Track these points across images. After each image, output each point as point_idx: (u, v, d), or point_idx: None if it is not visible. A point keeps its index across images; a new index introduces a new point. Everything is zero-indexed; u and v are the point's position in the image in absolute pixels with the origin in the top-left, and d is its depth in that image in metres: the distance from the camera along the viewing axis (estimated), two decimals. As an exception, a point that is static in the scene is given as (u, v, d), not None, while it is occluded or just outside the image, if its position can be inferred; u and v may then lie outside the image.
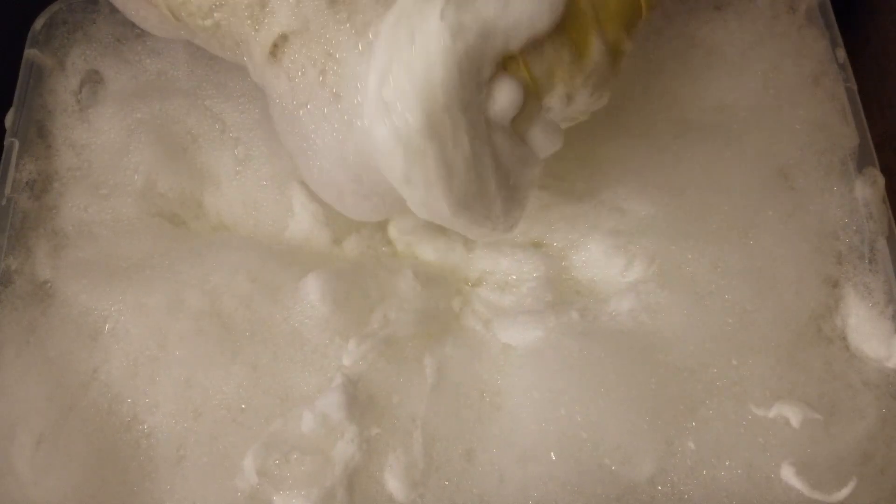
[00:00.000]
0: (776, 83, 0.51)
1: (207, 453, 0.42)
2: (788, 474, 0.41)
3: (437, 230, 0.48)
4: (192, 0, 0.40)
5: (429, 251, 0.49)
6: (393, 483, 0.41)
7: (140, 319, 0.44)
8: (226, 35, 0.41)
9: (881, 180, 0.48)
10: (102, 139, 0.51)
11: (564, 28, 0.37)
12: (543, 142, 0.40)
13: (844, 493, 0.40)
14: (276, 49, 0.40)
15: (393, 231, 0.49)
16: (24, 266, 0.47)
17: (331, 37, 0.38)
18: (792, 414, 0.41)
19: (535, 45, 0.37)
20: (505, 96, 0.37)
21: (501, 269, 0.48)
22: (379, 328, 0.45)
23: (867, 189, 0.47)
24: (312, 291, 0.44)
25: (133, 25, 0.48)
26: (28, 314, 0.45)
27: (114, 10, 0.48)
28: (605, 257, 0.47)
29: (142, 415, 0.43)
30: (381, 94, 0.35)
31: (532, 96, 0.38)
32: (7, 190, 0.48)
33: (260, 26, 0.39)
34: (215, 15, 0.40)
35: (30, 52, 0.53)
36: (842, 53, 0.51)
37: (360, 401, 0.42)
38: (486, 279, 0.48)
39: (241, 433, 0.42)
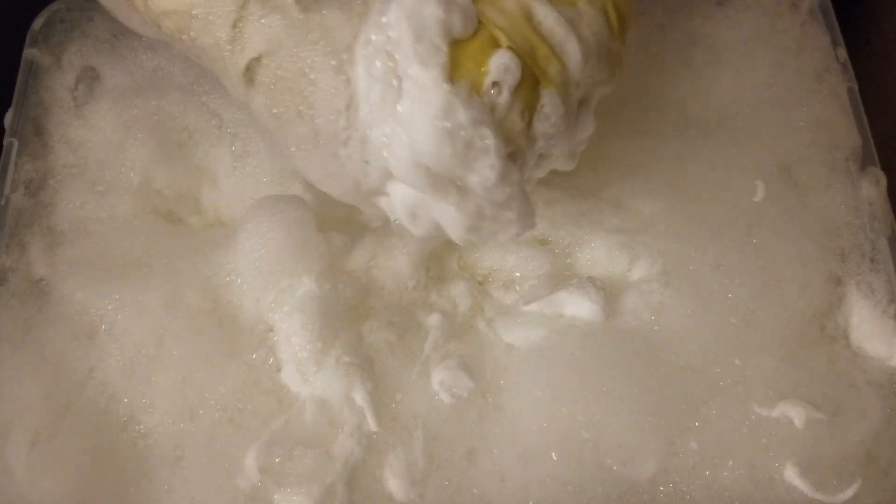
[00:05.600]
0: (779, 80, 0.51)
1: (206, 453, 0.41)
2: (792, 475, 0.40)
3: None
4: (168, 14, 0.39)
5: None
6: (393, 481, 0.40)
7: (137, 318, 0.43)
8: (202, 52, 0.40)
9: (884, 180, 0.48)
10: (98, 136, 0.50)
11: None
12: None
13: (848, 494, 0.40)
14: (250, 72, 0.39)
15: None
16: (19, 264, 0.46)
17: (305, 56, 0.37)
18: (795, 413, 0.41)
19: None
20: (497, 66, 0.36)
21: (508, 266, 0.47)
22: (381, 326, 0.44)
23: (870, 188, 0.47)
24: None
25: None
26: (24, 312, 0.45)
27: (112, 7, 0.48)
28: (609, 255, 0.46)
29: (138, 414, 0.42)
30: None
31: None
32: (6, 190, 0.48)
33: (233, 47, 0.39)
34: (191, 33, 0.39)
35: (29, 52, 0.53)
36: (842, 53, 0.51)
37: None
38: (494, 276, 0.48)
39: (239, 432, 0.41)
